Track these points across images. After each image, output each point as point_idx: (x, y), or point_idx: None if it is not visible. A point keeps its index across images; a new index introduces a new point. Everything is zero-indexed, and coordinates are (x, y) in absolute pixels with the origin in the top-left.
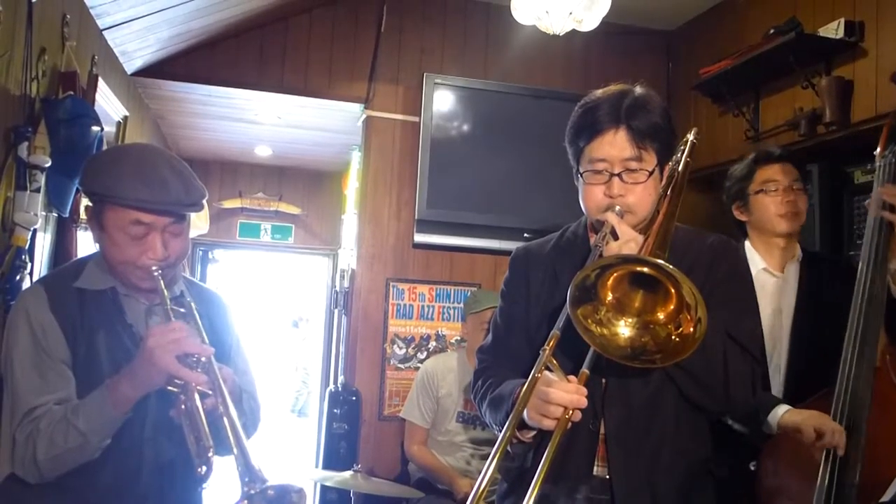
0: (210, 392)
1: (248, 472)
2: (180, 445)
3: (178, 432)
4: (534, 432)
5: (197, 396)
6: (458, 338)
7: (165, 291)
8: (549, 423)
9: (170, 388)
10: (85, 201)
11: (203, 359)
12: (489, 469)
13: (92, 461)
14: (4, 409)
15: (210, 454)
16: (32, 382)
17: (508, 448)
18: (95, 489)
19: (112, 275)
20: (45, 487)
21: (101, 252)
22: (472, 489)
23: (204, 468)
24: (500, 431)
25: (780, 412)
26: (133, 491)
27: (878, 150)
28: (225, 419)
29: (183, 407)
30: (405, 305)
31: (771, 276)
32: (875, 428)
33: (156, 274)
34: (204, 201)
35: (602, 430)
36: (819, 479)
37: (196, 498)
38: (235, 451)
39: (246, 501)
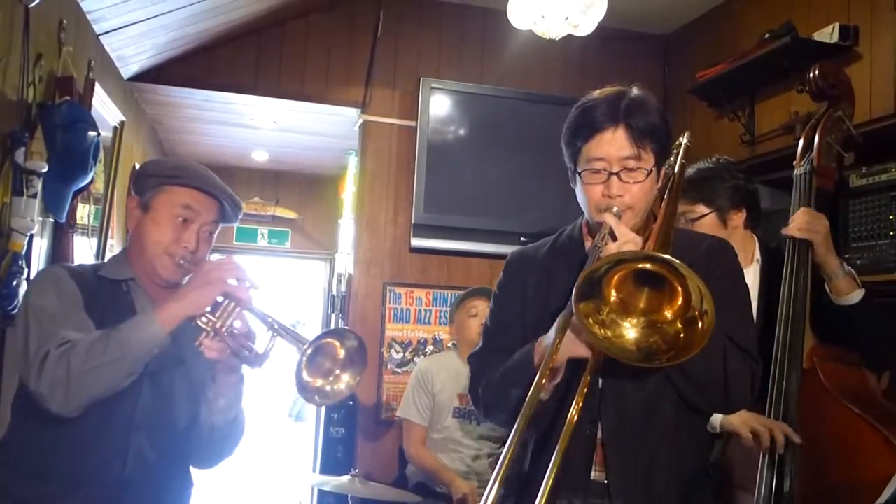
0: (257, 311)
1: (296, 340)
2: (168, 438)
3: (167, 424)
4: (556, 381)
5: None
6: (454, 342)
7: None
8: (584, 351)
9: (200, 323)
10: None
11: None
12: (513, 439)
13: (79, 444)
14: (31, 347)
15: (264, 345)
16: (64, 323)
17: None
18: (81, 472)
19: (133, 266)
20: (30, 471)
21: (134, 237)
22: (470, 491)
23: (260, 359)
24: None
25: (720, 415)
26: (117, 477)
27: (796, 161)
28: (260, 318)
29: (224, 331)
30: (402, 309)
31: None
32: (806, 429)
33: (182, 263)
34: (239, 215)
35: (599, 435)
36: (758, 481)
37: (183, 498)
38: (278, 329)
39: (312, 368)
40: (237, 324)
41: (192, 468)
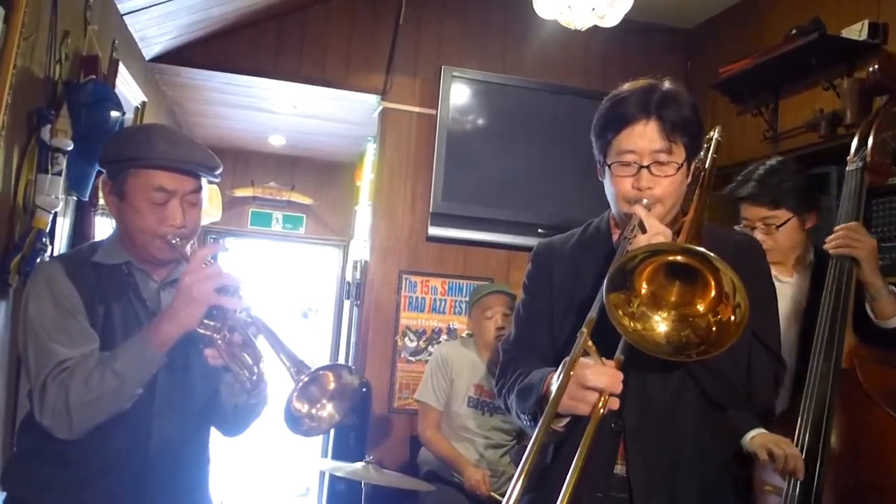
0: (249, 319)
1: (295, 365)
2: (188, 420)
3: (186, 406)
4: (565, 421)
5: (228, 331)
6: (469, 332)
7: (188, 253)
8: (584, 409)
9: (201, 330)
10: (102, 178)
11: (238, 288)
12: (528, 459)
13: (102, 432)
14: (29, 370)
15: (260, 369)
16: (59, 339)
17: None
18: (104, 459)
19: (128, 250)
20: (54, 459)
21: (119, 224)
22: (482, 478)
23: (252, 387)
24: (527, 421)
25: (749, 436)
26: (141, 462)
27: (849, 157)
28: (261, 334)
29: (221, 343)
30: (417, 298)
31: (778, 282)
32: (842, 429)
33: (174, 242)
34: (218, 172)
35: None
36: (786, 481)
37: (203, 478)
38: (278, 353)
39: (301, 394)
40: (235, 337)
41: (213, 440)
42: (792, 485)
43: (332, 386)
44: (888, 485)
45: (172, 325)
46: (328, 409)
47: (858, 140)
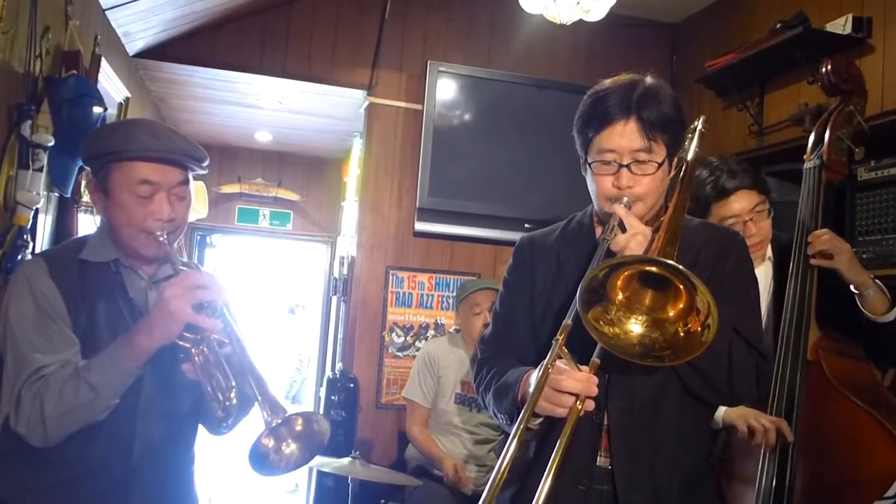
0: (227, 340)
1: (269, 405)
2: (173, 422)
3: (171, 408)
4: (540, 419)
5: (206, 348)
6: (456, 328)
7: (174, 252)
8: (561, 412)
9: (181, 342)
10: (86, 175)
11: (218, 306)
12: (506, 459)
13: (84, 434)
14: (6, 374)
15: (232, 396)
16: (38, 344)
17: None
18: (86, 461)
19: (116, 246)
20: (35, 460)
21: (106, 221)
22: (452, 467)
23: (225, 414)
24: (504, 419)
25: (723, 409)
26: (124, 465)
27: (806, 155)
28: (239, 362)
29: (197, 359)
30: (404, 294)
31: None
32: (809, 421)
33: (161, 239)
34: (205, 164)
35: (605, 422)
36: (758, 473)
37: (187, 478)
38: (254, 387)
39: (270, 433)
40: (212, 357)
41: (198, 440)
42: (766, 476)
43: (299, 428)
44: (857, 472)
45: (147, 338)
46: (292, 448)
47: (814, 138)
